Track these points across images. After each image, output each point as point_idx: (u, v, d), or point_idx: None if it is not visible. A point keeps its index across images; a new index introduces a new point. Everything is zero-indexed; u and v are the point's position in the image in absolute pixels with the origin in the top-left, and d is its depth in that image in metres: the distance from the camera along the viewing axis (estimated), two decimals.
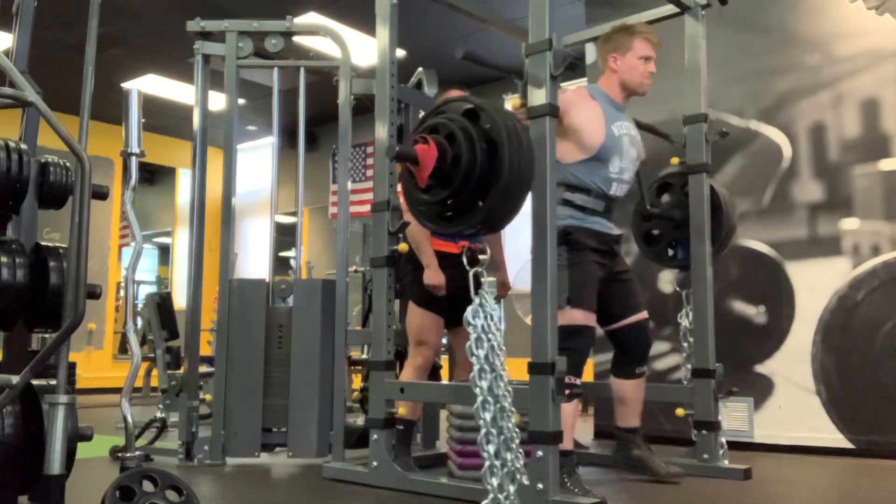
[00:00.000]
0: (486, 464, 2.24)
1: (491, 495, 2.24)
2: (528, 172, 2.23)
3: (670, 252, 3.54)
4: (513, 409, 2.32)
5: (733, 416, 4.04)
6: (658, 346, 4.25)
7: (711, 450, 3.20)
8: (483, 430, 2.25)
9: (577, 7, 5.37)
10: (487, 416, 2.27)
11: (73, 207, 1.91)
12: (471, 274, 2.36)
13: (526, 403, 2.47)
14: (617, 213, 3.12)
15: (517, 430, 2.31)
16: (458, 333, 3.24)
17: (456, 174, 2.20)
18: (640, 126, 3.66)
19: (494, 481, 2.24)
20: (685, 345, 3.47)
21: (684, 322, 3.46)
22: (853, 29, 3.99)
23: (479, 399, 2.28)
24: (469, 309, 2.33)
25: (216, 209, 3.73)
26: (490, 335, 2.32)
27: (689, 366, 3.39)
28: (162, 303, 5.01)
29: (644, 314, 3.10)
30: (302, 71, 3.84)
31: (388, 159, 2.24)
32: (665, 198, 3.55)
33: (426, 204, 2.32)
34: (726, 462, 3.20)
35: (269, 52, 3.79)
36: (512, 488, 2.25)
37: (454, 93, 3.32)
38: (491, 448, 2.24)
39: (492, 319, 2.32)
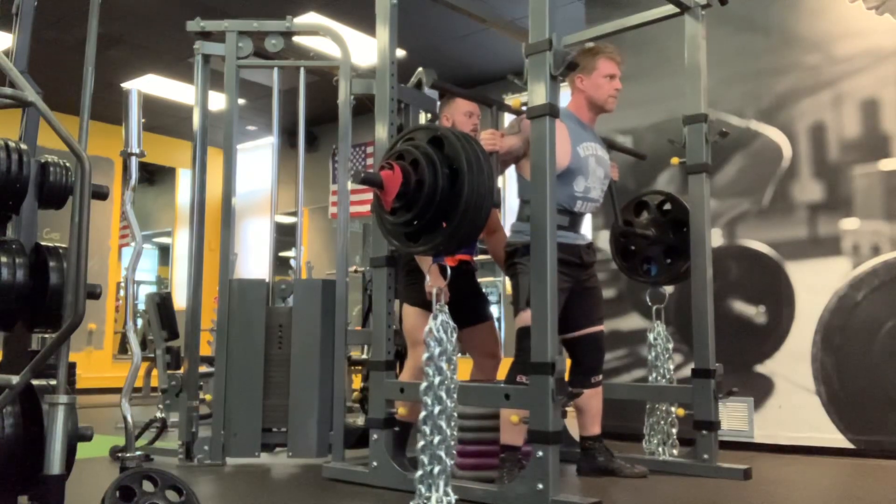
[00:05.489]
0: (437, 468, 2.32)
1: (437, 493, 2.31)
2: (486, 197, 2.35)
3: (644, 268, 3.63)
4: (457, 419, 2.41)
5: (733, 416, 4.04)
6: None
7: (711, 450, 3.20)
8: (438, 437, 2.33)
9: (577, 7, 5.37)
10: (443, 423, 2.34)
11: (73, 207, 1.91)
12: (434, 291, 2.43)
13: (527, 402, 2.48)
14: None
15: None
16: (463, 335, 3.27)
17: (419, 198, 2.32)
18: (615, 147, 3.70)
19: (441, 483, 2.32)
20: (649, 358, 3.56)
21: (650, 336, 3.58)
22: (853, 29, 3.99)
23: (438, 408, 2.35)
24: (431, 323, 2.40)
25: (216, 209, 3.73)
26: (448, 349, 2.40)
27: (651, 377, 3.54)
28: (162, 303, 5.00)
29: (601, 327, 3.17)
30: (302, 71, 3.84)
31: (356, 183, 2.35)
32: (642, 216, 3.65)
33: (392, 225, 2.44)
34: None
35: (269, 52, 3.79)
36: (451, 490, 2.35)
37: (461, 103, 3.32)
38: (441, 453, 2.32)
39: (451, 335, 2.40)
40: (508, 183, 3.83)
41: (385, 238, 2.58)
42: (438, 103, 3.75)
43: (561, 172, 2.94)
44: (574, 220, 3.08)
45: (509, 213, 3.25)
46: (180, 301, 5.03)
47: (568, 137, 3.01)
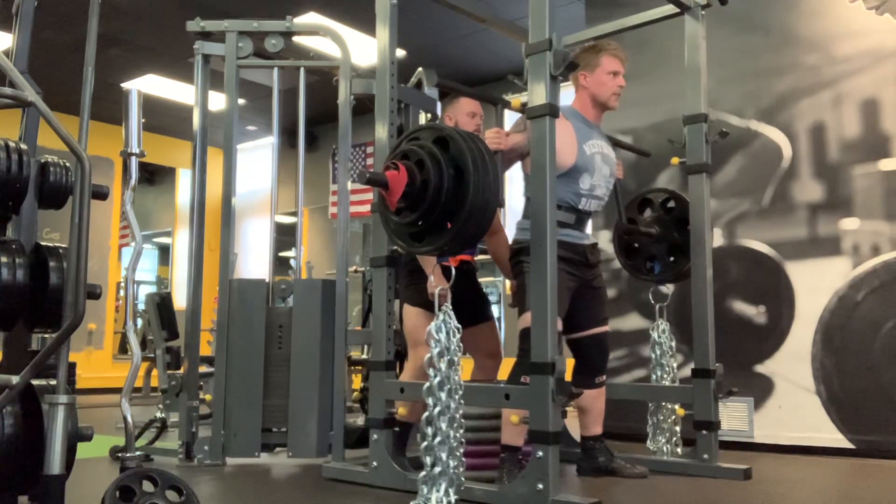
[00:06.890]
0: (437, 469, 2.32)
1: (438, 493, 2.32)
2: (492, 198, 2.34)
3: (648, 265, 3.64)
4: (462, 420, 2.41)
5: (733, 416, 4.04)
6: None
7: (711, 450, 3.20)
8: (438, 438, 2.33)
9: (577, 7, 5.37)
10: (443, 424, 2.33)
11: (73, 207, 1.91)
12: (436, 292, 2.43)
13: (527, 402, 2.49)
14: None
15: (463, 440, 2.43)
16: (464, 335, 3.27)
17: (424, 198, 2.31)
18: (619, 144, 3.70)
19: (443, 484, 2.32)
20: (653, 356, 3.57)
21: (654, 335, 3.57)
22: (853, 29, 3.99)
23: (437, 409, 2.35)
24: (433, 324, 2.41)
25: (216, 209, 3.73)
26: (451, 350, 2.39)
27: (655, 376, 3.54)
28: (162, 303, 5.01)
29: (605, 327, 3.17)
30: (302, 71, 3.84)
31: (361, 183, 2.34)
32: (646, 213, 3.65)
33: (397, 225, 2.44)
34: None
35: (269, 52, 3.79)
36: (452, 491, 2.35)
37: (464, 102, 3.32)
38: (443, 454, 2.32)
39: (454, 336, 2.40)
40: (510, 183, 3.83)
41: (389, 238, 2.58)
42: (439, 103, 3.76)
43: (567, 170, 2.94)
44: (579, 218, 3.07)
45: (510, 213, 3.25)
46: (180, 301, 5.04)
47: (574, 135, 3.00)
